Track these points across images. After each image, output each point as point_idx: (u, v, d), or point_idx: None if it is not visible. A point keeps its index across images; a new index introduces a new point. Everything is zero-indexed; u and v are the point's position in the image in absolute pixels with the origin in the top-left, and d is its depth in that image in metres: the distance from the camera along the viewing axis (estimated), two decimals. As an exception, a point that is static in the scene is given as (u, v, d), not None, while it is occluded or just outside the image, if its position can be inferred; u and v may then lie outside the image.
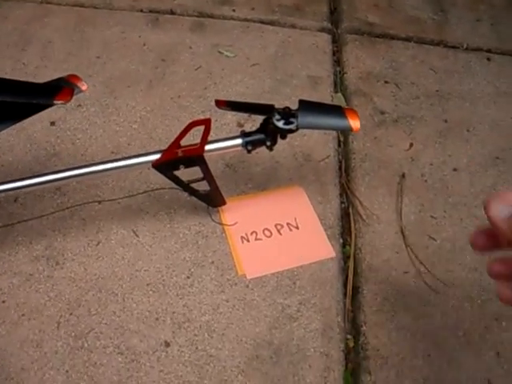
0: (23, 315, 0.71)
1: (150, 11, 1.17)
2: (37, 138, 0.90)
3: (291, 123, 0.69)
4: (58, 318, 0.71)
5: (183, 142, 0.69)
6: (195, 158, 0.69)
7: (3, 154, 0.88)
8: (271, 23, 1.16)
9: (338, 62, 1.11)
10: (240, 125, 0.94)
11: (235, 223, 0.80)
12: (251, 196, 0.84)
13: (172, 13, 1.17)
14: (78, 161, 0.87)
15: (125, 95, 0.98)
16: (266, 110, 0.71)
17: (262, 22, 1.16)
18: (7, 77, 0.97)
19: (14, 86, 0.64)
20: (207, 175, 0.72)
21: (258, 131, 0.71)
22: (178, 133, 0.67)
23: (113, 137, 0.91)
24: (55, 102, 0.61)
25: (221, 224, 0.80)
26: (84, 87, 0.67)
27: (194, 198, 0.77)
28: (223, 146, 0.70)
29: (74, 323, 0.71)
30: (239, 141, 0.70)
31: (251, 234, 0.80)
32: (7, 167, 0.86)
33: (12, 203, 0.81)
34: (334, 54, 1.12)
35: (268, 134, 0.70)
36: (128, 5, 1.18)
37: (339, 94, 1.02)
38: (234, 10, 1.18)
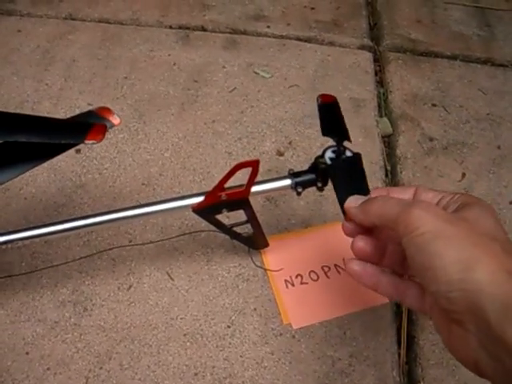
0: (48, 369, 0.65)
1: (180, 27, 1.10)
2: (61, 167, 0.84)
3: None
4: (86, 373, 0.64)
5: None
6: (240, 201, 0.63)
7: (26, 185, 0.82)
8: (308, 40, 1.09)
9: (381, 82, 1.04)
10: (280, 153, 0.87)
11: (280, 269, 0.73)
12: (295, 234, 0.77)
13: (203, 29, 1.10)
14: (106, 193, 0.81)
15: (155, 120, 0.92)
16: (342, 136, 0.64)
17: (299, 39, 1.09)
18: (29, 99, 0.93)
19: (40, 124, 0.58)
20: (251, 218, 0.66)
21: (308, 171, 0.64)
22: (224, 175, 0.60)
23: (143, 166, 0.85)
24: (86, 142, 0.55)
25: (264, 269, 0.73)
26: (116, 121, 0.61)
27: (232, 237, 0.71)
28: (270, 187, 0.64)
29: (105, 379, 0.64)
30: (288, 182, 0.64)
31: (296, 277, 0.73)
32: (30, 200, 0.80)
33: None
34: (376, 74, 1.05)
35: (319, 174, 0.63)
36: (156, 21, 1.11)
37: (385, 119, 0.95)
38: (268, 27, 1.11)
